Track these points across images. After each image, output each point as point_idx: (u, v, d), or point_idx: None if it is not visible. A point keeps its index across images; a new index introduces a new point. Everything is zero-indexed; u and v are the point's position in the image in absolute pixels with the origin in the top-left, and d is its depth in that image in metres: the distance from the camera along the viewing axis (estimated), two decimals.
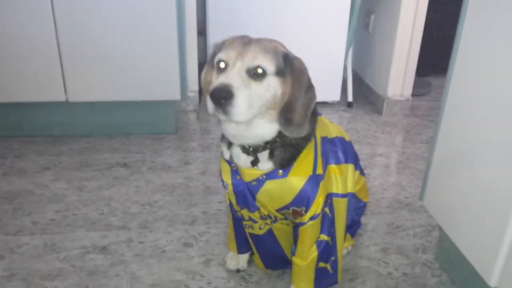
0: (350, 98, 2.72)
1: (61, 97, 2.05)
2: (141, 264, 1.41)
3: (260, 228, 1.26)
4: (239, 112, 0.95)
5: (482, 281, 1.11)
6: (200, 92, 2.58)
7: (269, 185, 1.10)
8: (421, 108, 2.76)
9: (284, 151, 1.08)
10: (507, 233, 1.01)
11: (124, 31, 1.98)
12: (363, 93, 2.90)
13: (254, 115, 0.99)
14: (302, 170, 1.10)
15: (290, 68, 1.01)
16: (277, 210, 1.16)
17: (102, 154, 2.08)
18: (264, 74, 0.98)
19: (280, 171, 1.09)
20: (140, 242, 1.51)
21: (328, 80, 2.59)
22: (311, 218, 1.15)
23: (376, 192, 1.84)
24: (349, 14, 2.46)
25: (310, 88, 1.05)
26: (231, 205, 1.27)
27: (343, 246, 1.34)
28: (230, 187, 1.17)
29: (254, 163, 1.09)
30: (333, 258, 1.25)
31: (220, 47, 1.04)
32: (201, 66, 2.59)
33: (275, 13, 2.40)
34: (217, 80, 0.97)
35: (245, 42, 1.01)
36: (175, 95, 2.13)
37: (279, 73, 1.00)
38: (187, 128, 2.39)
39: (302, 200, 1.12)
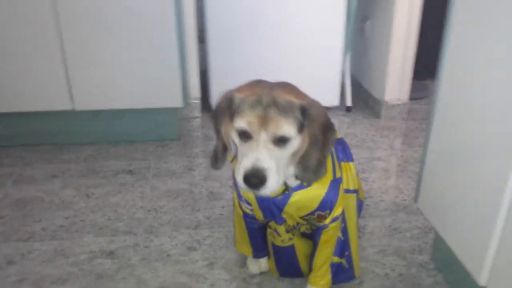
0: (349, 102, 2.77)
1: (68, 106, 2.12)
2: (147, 268, 1.46)
3: (282, 241, 1.31)
4: (271, 190, 0.99)
5: (473, 280, 1.16)
6: (202, 99, 2.64)
7: (295, 196, 1.14)
8: (419, 112, 2.80)
9: None
10: (494, 233, 1.05)
11: (127, 40, 2.04)
12: (362, 98, 2.95)
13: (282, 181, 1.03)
14: (324, 177, 1.13)
15: (308, 119, 1.02)
16: (302, 217, 1.20)
17: (108, 161, 2.14)
18: (288, 139, 0.99)
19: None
20: (146, 247, 1.56)
21: (326, 85, 2.65)
22: (333, 220, 1.20)
23: (374, 195, 1.89)
24: (345, 20, 2.52)
25: (329, 128, 1.06)
26: (245, 215, 1.29)
27: (357, 242, 1.38)
28: (256, 204, 1.19)
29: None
30: (347, 253, 1.30)
31: (238, 105, 1.00)
32: (202, 73, 2.66)
33: (273, 19, 2.46)
34: (248, 160, 0.97)
35: (264, 104, 0.97)
36: (177, 102, 2.18)
37: (300, 130, 1.01)
38: (190, 135, 2.44)
39: (326, 205, 1.17)
